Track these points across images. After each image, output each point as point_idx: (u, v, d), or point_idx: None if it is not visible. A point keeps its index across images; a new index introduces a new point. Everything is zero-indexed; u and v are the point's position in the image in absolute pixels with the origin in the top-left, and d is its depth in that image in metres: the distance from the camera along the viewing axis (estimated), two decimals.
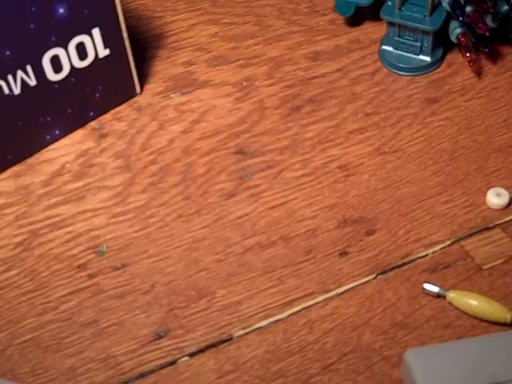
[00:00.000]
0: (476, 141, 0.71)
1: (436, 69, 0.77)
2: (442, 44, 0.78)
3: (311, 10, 0.84)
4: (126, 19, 0.72)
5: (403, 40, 0.77)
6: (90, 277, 0.64)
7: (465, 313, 0.59)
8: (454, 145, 0.71)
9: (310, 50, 0.80)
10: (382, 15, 0.77)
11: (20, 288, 0.63)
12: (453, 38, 0.76)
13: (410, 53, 0.77)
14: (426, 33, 0.75)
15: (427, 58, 0.77)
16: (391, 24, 0.77)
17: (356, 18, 0.81)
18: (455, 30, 0.75)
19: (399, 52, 0.78)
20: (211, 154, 0.72)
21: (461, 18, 0.72)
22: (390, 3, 0.77)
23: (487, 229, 0.65)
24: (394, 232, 0.65)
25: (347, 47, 0.80)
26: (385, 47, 0.78)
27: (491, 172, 0.69)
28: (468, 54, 0.74)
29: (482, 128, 0.72)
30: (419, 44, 0.76)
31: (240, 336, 0.60)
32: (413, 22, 0.75)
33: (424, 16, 0.75)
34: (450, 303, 0.60)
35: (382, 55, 0.78)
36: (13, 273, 0.64)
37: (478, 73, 0.76)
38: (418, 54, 0.77)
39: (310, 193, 0.68)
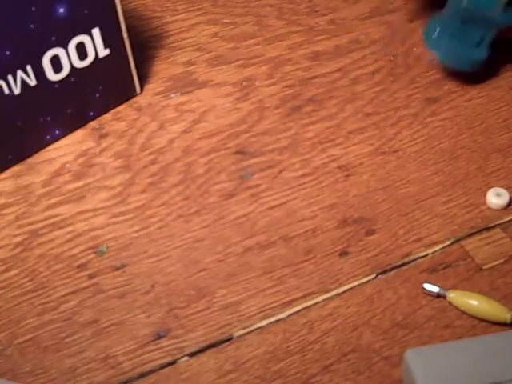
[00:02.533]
0: (476, 141, 0.71)
1: (481, 66, 0.73)
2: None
3: (311, 10, 0.84)
4: (126, 19, 0.72)
5: (462, 32, 0.71)
6: (90, 277, 0.64)
7: (465, 313, 0.59)
8: (454, 145, 0.71)
9: (310, 50, 0.80)
10: None
11: (20, 288, 0.63)
12: None
13: (467, 46, 0.72)
14: (489, 27, 0.69)
15: (485, 54, 0.72)
16: (454, 10, 0.70)
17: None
18: None
19: (455, 43, 0.72)
20: (211, 153, 0.72)
21: None
22: None
23: (487, 229, 0.65)
24: (394, 232, 0.65)
25: (347, 47, 0.80)
26: (438, 36, 0.72)
27: (491, 172, 0.69)
28: None
29: (482, 128, 0.72)
30: (482, 37, 0.71)
31: (240, 336, 0.60)
32: (483, 12, 0.68)
33: (496, 8, 0.68)
34: (450, 303, 0.60)
35: (437, 43, 0.72)
36: (13, 273, 0.64)
37: None
38: (477, 48, 0.71)
39: (310, 193, 0.68)
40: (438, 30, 0.72)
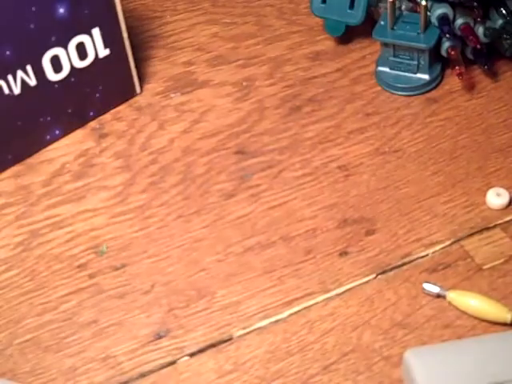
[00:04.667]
0: (476, 141, 0.71)
1: (436, 86, 0.75)
2: (439, 60, 0.76)
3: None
4: (126, 19, 0.72)
5: (399, 59, 0.75)
6: (90, 277, 0.64)
7: (465, 313, 0.59)
8: (454, 145, 0.71)
9: (310, 50, 0.80)
10: (374, 36, 0.75)
11: (20, 288, 0.63)
12: (443, 52, 0.74)
13: (407, 72, 0.75)
14: (421, 50, 0.73)
15: (425, 76, 0.75)
16: (385, 44, 0.75)
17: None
18: (445, 44, 0.74)
19: (396, 72, 0.75)
20: (211, 153, 0.72)
21: (448, 36, 0.71)
22: (382, 23, 0.75)
23: (487, 229, 0.65)
24: (394, 232, 0.65)
25: (347, 47, 0.80)
26: (381, 68, 0.76)
27: (491, 172, 0.69)
28: (457, 68, 0.73)
29: (482, 128, 0.72)
30: (416, 62, 0.74)
31: (240, 336, 0.60)
32: (407, 41, 0.73)
33: (418, 33, 0.73)
34: (449, 303, 0.60)
35: (379, 76, 0.76)
36: (13, 273, 0.64)
37: (470, 87, 0.75)
38: (416, 73, 0.75)
39: (309, 193, 0.68)
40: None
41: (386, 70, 0.76)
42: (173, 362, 0.59)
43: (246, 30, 0.83)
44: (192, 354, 0.59)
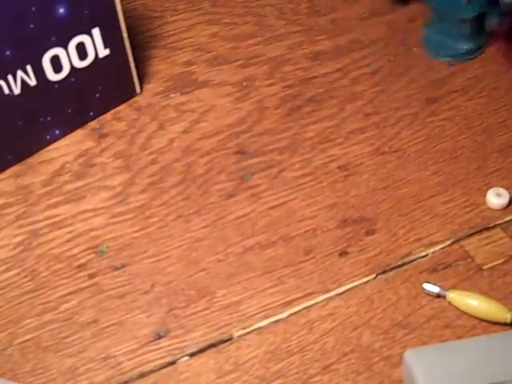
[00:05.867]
0: (476, 141, 0.71)
1: (477, 56, 0.76)
2: (483, 32, 0.76)
3: (311, 10, 0.84)
4: (126, 19, 0.72)
5: (444, 26, 0.76)
6: (90, 277, 0.64)
7: (465, 313, 0.59)
8: (454, 145, 0.71)
9: (310, 50, 0.80)
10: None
11: (20, 288, 0.63)
12: (487, 26, 0.75)
13: (451, 38, 0.76)
14: (464, 20, 0.74)
15: (468, 45, 0.76)
16: (434, 9, 0.76)
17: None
18: (490, 19, 0.74)
19: (441, 37, 0.77)
20: (211, 153, 0.72)
21: (493, 10, 0.72)
22: None
23: (487, 229, 0.65)
24: (394, 232, 0.65)
25: (347, 47, 0.80)
26: (427, 31, 0.78)
27: (491, 172, 0.69)
28: (500, 43, 0.73)
29: (482, 128, 0.72)
30: (459, 30, 0.75)
31: (240, 336, 0.60)
32: (451, 8, 0.74)
33: (462, 3, 0.74)
34: (449, 303, 0.60)
35: (427, 39, 0.78)
36: (13, 273, 0.64)
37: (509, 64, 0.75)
38: (459, 41, 0.76)
39: (309, 193, 0.68)
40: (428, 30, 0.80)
41: (433, 33, 0.78)
42: (173, 362, 0.59)
43: (246, 30, 0.83)
44: (192, 354, 0.59)
